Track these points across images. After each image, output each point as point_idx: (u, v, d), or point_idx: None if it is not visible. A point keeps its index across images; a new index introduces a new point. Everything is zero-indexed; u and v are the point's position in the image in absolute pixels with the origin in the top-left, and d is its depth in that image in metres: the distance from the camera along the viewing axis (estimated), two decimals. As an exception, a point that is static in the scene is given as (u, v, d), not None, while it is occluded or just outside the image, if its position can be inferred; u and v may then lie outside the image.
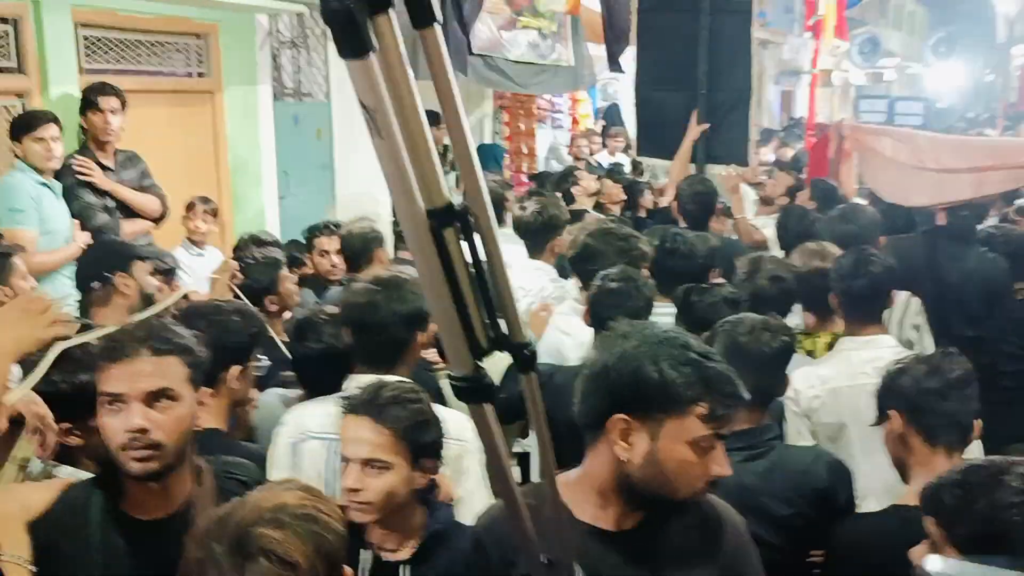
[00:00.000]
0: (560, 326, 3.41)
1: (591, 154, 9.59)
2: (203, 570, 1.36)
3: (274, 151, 6.44)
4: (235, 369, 2.43)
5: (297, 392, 2.79)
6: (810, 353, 3.27)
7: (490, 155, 8.63)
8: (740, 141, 5.73)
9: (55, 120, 4.20)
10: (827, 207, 4.78)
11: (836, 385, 2.84)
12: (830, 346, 3.21)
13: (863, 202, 5.29)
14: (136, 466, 1.69)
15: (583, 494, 1.62)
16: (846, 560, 2.14)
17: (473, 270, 0.89)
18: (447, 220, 0.84)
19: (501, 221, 4.43)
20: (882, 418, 2.27)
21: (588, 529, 1.60)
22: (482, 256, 0.91)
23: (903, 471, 2.24)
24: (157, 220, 4.75)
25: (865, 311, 3.03)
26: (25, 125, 4.18)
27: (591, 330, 3.03)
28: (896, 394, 2.23)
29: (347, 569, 1.46)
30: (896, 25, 25.54)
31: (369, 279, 2.56)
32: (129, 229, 4.54)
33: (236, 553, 1.34)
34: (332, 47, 7.06)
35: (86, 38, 4.91)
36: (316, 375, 2.63)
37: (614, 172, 7.65)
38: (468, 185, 0.90)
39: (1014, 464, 1.65)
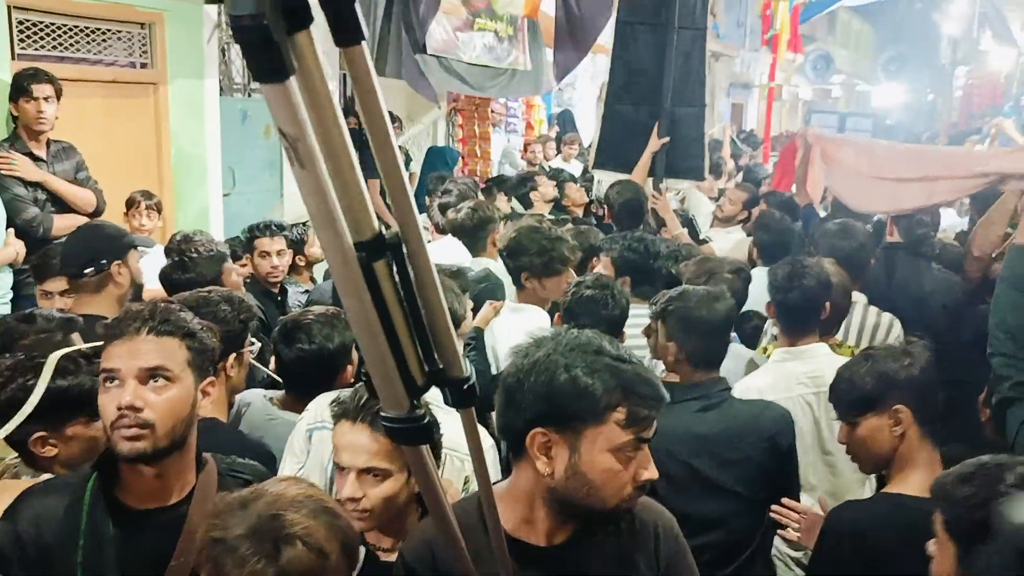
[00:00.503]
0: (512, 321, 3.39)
1: (545, 160, 9.53)
2: (217, 555, 1.33)
3: (219, 147, 6.22)
4: (231, 357, 2.48)
5: (279, 393, 2.75)
6: None
7: (442, 157, 8.50)
8: (697, 156, 5.83)
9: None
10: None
11: (772, 397, 2.80)
12: None
13: (821, 212, 5.31)
14: (125, 445, 1.65)
15: (511, 508, 1.57)
16: (839, 544, 2.13)
17: (406, 303, 0.83)
18: (378, 252, 0.78)
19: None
20: (866, 413, 2.25)
21: (517, 544, 1.54)
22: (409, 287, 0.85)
23: (878, 464, 2.29)
24: (92, 215, 4.51)
25: (799, 322, 3.06)
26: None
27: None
28: (902, 388, 2.22)
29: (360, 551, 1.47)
30: (843, 43, 26.03)
31: None
32: (62, 224, 4.31)
33: (264, 538, 1.33)
34: (283, 42, 6.93)
35: (20, 22, 4.67)
36: (306, 377, 2.60)
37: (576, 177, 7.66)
38: (399, 211, 0.84)
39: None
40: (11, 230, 4.12)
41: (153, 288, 4.19)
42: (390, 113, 8.24)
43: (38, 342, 2.22)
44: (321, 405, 2.36)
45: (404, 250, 0.82)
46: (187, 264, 3.49)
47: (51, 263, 3.47)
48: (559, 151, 9.94)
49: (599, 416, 1.46)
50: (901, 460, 2.21)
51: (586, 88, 12.99)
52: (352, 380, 2.65)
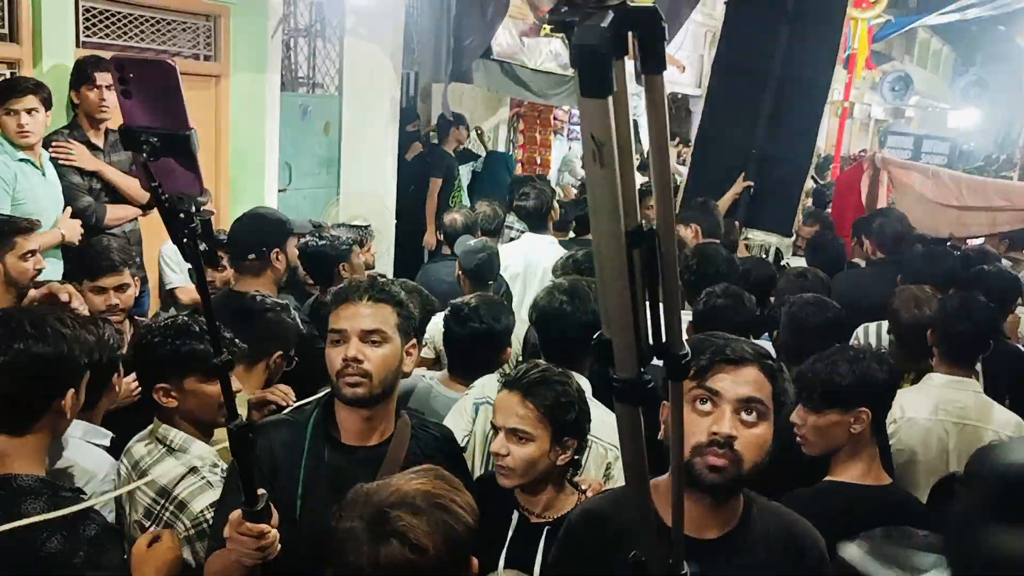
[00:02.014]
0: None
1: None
2: (343, 541, 1.48)
3: (278, 142, 6.19)
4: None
5: (440, 373, 2.99)
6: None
7: (500, 163, 8.37)
8: (788, 214, 5.90)
9: (35, 91, 3.84)
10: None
11: (915, 414, 3.00)
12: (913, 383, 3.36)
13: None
14: (348, 391, 2.03)
15: (665, 495, 1.58)
16: None
17: (649, 285, 0.97)
18: (637, 241, 0.92)
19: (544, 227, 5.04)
20: (834, 408, 2.41)
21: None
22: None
23: (824, 452, 2.45)
24: (146, 207, 4.49)
25: (964, 353, 3.21)
26: (-1, 95, 3.79)
27: None
28: (870, 393, 2.42)
29: (474, 560, 1.58)
30: (920, 63, 25.30)
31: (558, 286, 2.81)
32: (114, 215, 4.29)
33: (372, 531, 1.46)
34: (348, 39, 6.89)
35: (87, 10, 4.66)
36: (472, 355, 2.89)
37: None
38: (660, 213, 1.00)
39: None
40: (68, 209, 4.06)
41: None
42: (465, 124, 7.98)
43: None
44: (487, 382, 2.70)
45: (657, 242, 0.95)
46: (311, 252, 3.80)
47: (101, 261, 3.31)
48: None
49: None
50: (848, 452, 2.41)
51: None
52: (508, 360, 2.98)
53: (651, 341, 0.99)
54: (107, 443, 2.41)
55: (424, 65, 6.57)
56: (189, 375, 2.30)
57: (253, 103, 5.88)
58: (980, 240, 5.73)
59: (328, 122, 6.94)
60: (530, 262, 4.73)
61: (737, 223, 5.71)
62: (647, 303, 0.97)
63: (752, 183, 5.86)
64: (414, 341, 2.21)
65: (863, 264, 5.25)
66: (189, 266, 4.04)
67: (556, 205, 5.36)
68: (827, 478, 2.43)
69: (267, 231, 3.55)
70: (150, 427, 2.35)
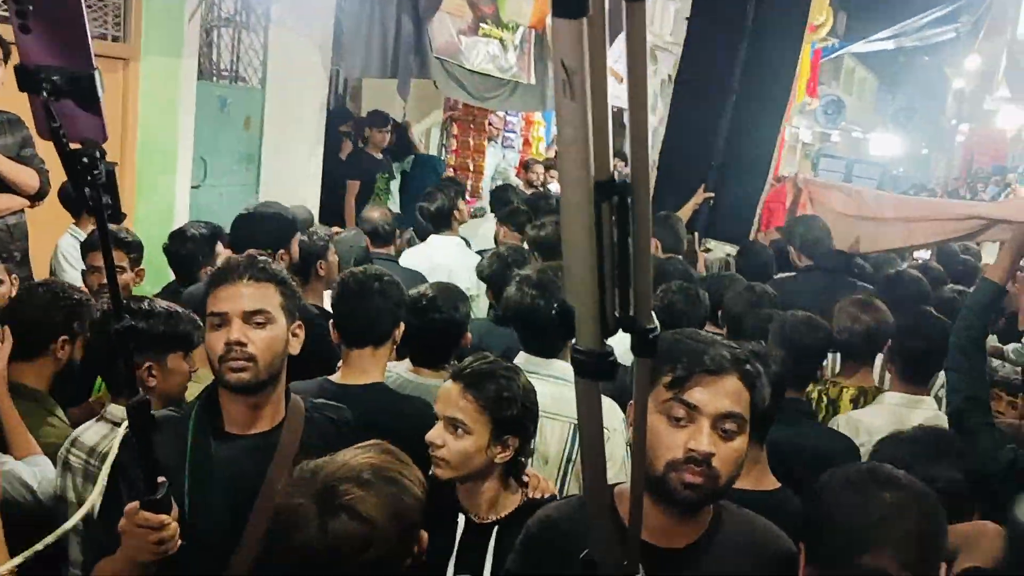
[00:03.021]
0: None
1: (543, 184, 9.10)
2: (290, 519, 1.46)
3: (192, 135, 5.74)
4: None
5: (402, 364, 2.91)
6: (833, 402, 3.40)
7: (428, 167, 7.99)
8: (746, 223, 5.97)
9: None
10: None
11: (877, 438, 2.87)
12: (854, 399, 3.35)
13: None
14: (232, 376, 1.90)
15: (626, 504, 1.59)
16: None
17: (619, 247, 0.87)
18: (607, 193, 0.83)
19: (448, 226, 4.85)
20: None
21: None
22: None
23: None
24: (34, 198, 4.02)
25: (919, 372, 3.20)
26: None
27: None
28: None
29: (423, 533, 1.57)
30: (846, 89, 25.90)
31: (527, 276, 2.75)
32: (-2, 205, 3.82)
33: (320, 506, 1.44)
34: (273, 30, 6.48)
35: (-25, -24, 4.17)
36: (434, 345, 2.83)
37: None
38: (636, 165, 0.91)
39: None
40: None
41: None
42: (382, 125, 7.67)
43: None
44: (552, 396, 2.58)
45: (630, 198, 0.85)
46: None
47: None
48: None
49: (653, 379, 1.54)
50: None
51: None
52: (468, 346, 2.94)
53: (617, 312, 0.90)
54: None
55: (353, 60, 6.19)
56: (172, 352, 2.37)
57: (165, 91, 5.45)
58: (926, 254, 5.91)
59: (249, 116, 6.51)
60: (435, 264, 4.50)
61: (695, 233, 5.88)
62: (617, 269, 0.88)
63: (712, 194, 6.02)
64: (300, 322, 2.06)
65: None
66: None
67: (461, 206, 5.20)
68: None
69: (272, 230, 3.50)
70: (97, 416, 2.36)
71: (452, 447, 2.05)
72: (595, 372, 0.91)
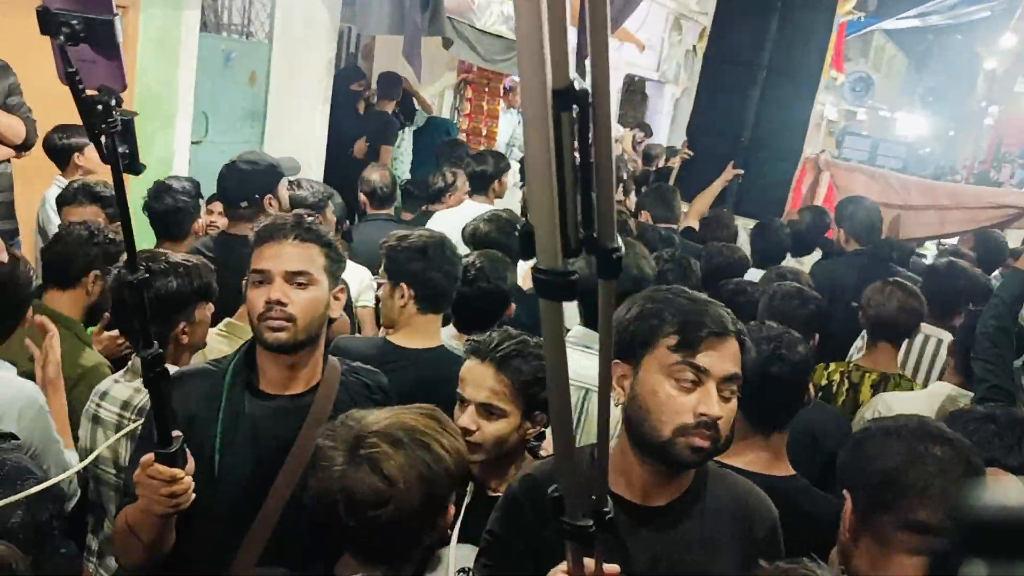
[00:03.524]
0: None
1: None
2: (320, 461, 1.49)
3: (193, 88, 5.57)
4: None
5: (448, 329, 2.90)
6: (855, 387, 3.35)
7: (440, 130, 7.77)
8: (779, 201, 5.93)
9: None
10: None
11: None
12: (875, 385, 3.31)
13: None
14: (270, 335, 1.88)
15: (614, 463, 1.61)
16: None
17: (580, 160, 0.84)
18: (567, 102, 0.79)
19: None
20: None
21: (618, 500, 1.57)
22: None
23: None
24: (20, 148, 3.88)
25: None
26: None
27: None
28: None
29: (451, 508, 1.57)
30: (875, 67, 25.34)
31: None
32: (-22, 154, 3.69)
33: (347, 454, 1.47)
34: (282, -18, 6.29)
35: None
36: (479, 313, 2.83)
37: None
38: (596, 74, 0.85)
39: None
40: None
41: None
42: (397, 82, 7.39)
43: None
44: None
45: (591, 108, 0.81)
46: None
47: None
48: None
49: (652, 340, 1.55)
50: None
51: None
52: (511, 315, 2.96)
53: (581, 231, 0.87)
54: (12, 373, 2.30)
55: (362, 16, 5.97)
56: (199, 304, 2.37)
57: (166, 42, 5.26)
58: (954, 241, 5.81)
59: (255, 72, 6.32)
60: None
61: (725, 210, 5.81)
62: (579, 185, 0.85)
63: (741, 172, 5.96)
64: (342, 286, 2.07)
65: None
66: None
67: (504, 179, 5.12)
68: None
69: (258, 178, 3.53)
70: (122, 370, 2.36)
71: (487, 431, 1.99)
72: (557, 292, 0.88)
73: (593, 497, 1.18)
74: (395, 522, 1.46)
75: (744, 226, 6.06)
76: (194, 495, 1.72)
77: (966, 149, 24.06)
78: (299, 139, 6.42)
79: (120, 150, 1.43)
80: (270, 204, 3.48)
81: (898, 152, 10.87)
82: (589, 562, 1.30)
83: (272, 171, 3.60)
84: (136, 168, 1.53)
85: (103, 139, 1.42)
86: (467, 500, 2.02)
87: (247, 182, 3.51)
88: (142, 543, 1.77)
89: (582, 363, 2.43)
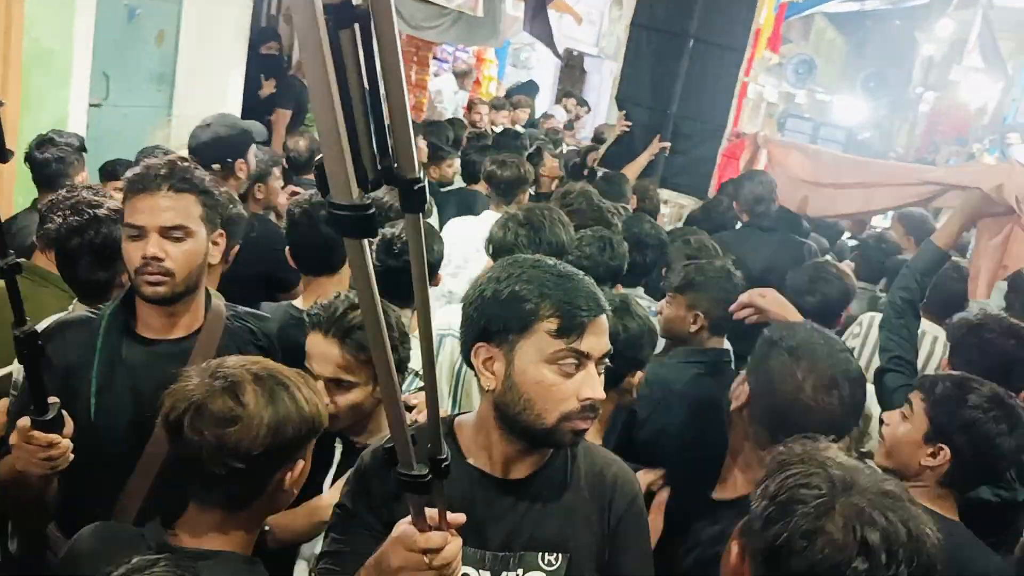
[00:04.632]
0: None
1: (490, 123, 8.63)
2: (176, 396, 1.47)
3: (91, 47, 5.16)
4: None
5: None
6: None
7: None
8: (705, 175, 5.93)
9: None
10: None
11: None
12: None
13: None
14: (148, 289, 1.92)
15: (472, 436, 1.61)
16: None
17: (368, 85, 0.78)
18: (344, 20, 0.73)
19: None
20: None
21: (476, 473, 1.58)
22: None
23: None
24: None
25: None
26: None
27: None
28: None
29: (300, 463, 1.54)
30: (815, 50, 25.49)
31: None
32: None
33: (203, 376, 1.47)
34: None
35: None
36: (405, 283, 2.33)
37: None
38: None
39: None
40: None
41: None
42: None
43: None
44: (448, 313, 2.75)
45: (372, 25, 0.75)
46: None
47: None
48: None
49: (528, 325, 1.48)
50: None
51: (545, 51, 12.04)
52: (439, 285, 3.00)
53: (379, 163, 0.82)
54: None
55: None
56: None
57: (59, -7, 4.85)
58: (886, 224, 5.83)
59: (163, 31, 5.92)
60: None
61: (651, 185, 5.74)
62: (370, 111, 0.78)
63: (668, 144, 5.93)
64: (221, 230, 2.06)
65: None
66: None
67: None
68: None
69: (232, 141, 3.59)
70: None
71: (340, 403, 1.97)
72: (353, 229, 0.83)
73: (429, 446, 1.17)
74: (237, 448, 1.41)
75: (671, 200, 6.15)
76: (72, 455, 1.72)
77: (902, 135, 24.42)
78: (213, 105, 6.03)
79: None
80: (240, 168, 3.57)
81: (838, 136, 10.94)
82: (432, 512, 1.29)
83: (246, 135, 3.70)
84: (3, 156, 1.53)
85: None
86: (338, 456, 2.06)
87: (223, 145, 3.56)
88: (21, 496, 1.80)
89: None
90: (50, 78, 4.92)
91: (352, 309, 1.97)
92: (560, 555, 1.57)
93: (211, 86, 6.08)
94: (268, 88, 6.87)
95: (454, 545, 1.31)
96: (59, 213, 2.40)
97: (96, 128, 5.33)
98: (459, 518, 1.33)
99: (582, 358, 1.48)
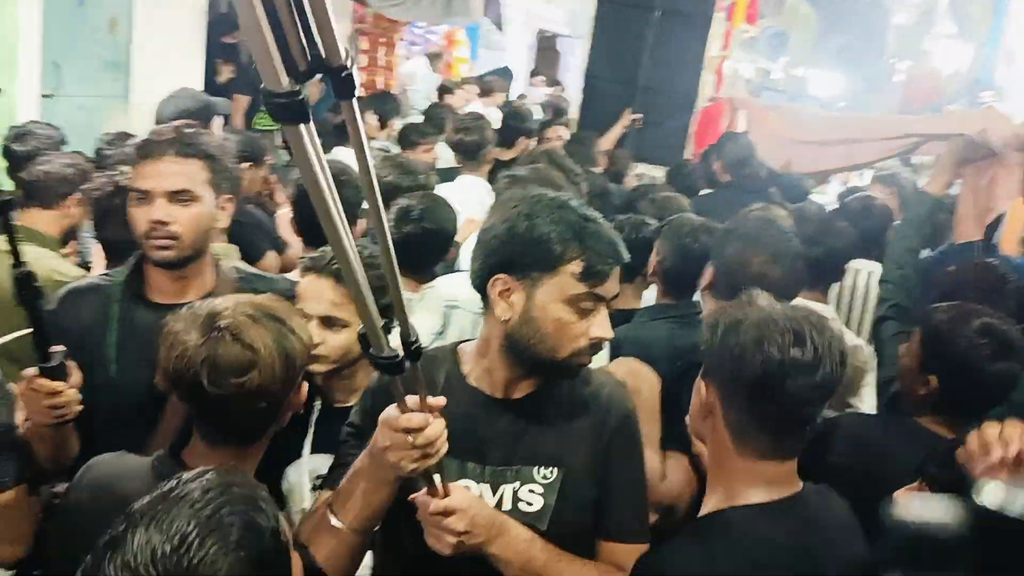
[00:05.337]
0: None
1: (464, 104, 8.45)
2: (171, 342, 1.48)
3: (40, 33, 4.97)
4: None
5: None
6: None
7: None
8: (676, 147, 5.95)
9: None
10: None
11: None
12: None
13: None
14: (156, 254, 1.95)
15: (475, 359, 1.68)
16: None
17: None
18: None
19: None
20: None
21: (477, 394, 1.66)
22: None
23: None
24: None
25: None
26: None
27: None
28: None
29: (304, 386, 1.62)
30: (789, 24, 25.43)
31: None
32: None
33: (204, 332, 1.46)
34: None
35: None
36: (421, 254, 2.81)
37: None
38: None
39: None
40: None
41: None
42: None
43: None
44: (453, 284, 2.76)
45: None
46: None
47: None
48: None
49: (554, 265, 1.54)
50: None
51: (517, 32, 11.89)
52: (454, 259, 3.05)
53: (308, 54, 0.82)
54: None
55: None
56: None
57: (1, -21, 4.66)
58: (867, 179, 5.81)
59: (115, 18, 5.72)
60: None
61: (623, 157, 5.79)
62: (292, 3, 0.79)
63: (640, 116, 5.99)
64: (230, 196, 2.07)
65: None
66: None
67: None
68: None
69: (196, 114, 3.57)
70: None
71: (331, 343, 1.98)
72: (288, 114, 0.84)
73: (399, 330, 1.23)
74: (259, 390, 1.46)
75: (645, 173, 6.09)
76: (80, 407, 1.75)
77: (878, 106, 24.40)
78: (170, 91, 5.85)
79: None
80: None
81: (814, 110, 10.92)
82: (415, 398, 1.36)
83: (210, 108, 3.85)
84: None
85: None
86: (315, 415, 2.05)
87: (189, 117, 3.40)
88: (41, 449, 1.81)
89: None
90: (-3, 68, 4.74)
91: None
92: (555, 469, 1.64)
93: (169, 73, 5.87)
94: (227, 73, 6.67)
95: (436, 426, 1.38)
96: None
97: (50, 119, 5.05)
98: (439, 401, 1.40)
99: (598, 301, 1.56)
